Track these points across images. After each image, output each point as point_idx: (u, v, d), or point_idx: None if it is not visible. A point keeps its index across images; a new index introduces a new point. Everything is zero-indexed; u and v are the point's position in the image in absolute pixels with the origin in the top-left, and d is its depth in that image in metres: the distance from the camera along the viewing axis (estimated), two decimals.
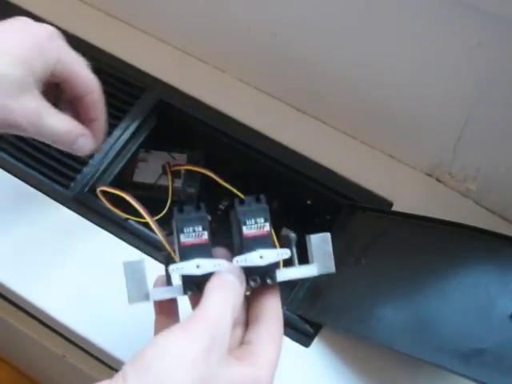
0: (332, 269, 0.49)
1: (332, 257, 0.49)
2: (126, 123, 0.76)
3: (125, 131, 0.75)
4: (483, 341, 0.54)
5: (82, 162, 0.73)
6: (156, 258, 0.67)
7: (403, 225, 0.67)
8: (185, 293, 0.47)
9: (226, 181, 0.71)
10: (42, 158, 0.74)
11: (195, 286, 0.46)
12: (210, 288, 0.45)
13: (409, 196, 0.73)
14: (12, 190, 0.72)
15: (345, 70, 0.72)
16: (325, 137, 0.77)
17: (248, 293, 0.50)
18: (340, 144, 0.76)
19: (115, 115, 0.76)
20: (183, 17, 0.80)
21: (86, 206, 0.70)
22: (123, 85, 0.79)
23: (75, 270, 0.66)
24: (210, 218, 0.49)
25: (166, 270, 0.48)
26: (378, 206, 0.71)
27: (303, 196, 0.78)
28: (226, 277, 0.46)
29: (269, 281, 0.47)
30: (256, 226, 0.47)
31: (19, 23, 0.57)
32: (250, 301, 0.49)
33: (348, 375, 0.62)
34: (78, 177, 0.72)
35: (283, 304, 0.67)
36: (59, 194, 0.71)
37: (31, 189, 0.72)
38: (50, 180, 0.72)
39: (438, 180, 0.75)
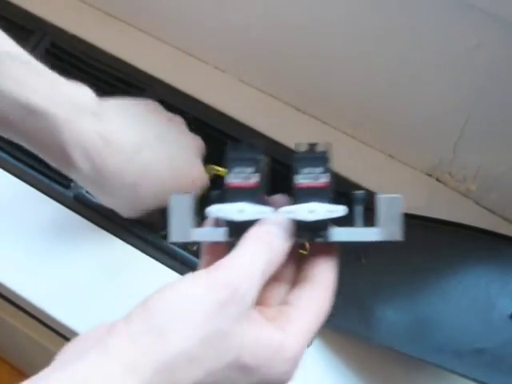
0: (398, 236, 0.43)
1: (400, 223, 0.43)
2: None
3: None
4: (483, 341, 0.54)
5: None
6: (157, 259, 0.67)
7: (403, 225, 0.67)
8: (227, 237, 0.42)
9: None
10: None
11: (239, 231, 0.41)
12: (246, 237, 0.40)
13: (409, 196, 0.72)
14: (12, 190, 0.72)
15: (345, 70, 0.71)
16: (325, 137, 0.77)
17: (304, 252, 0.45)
18: (340, 144, 0.76)
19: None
20: (183, 17, 0.80)
21: (86, 206, 0.70)
22: (123, 85, 0.79)
23: (75, 270, 0.66)
24: (266, 159, 0.43)
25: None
26: None
27: None
28: (268, 227, 0.40)
29: (319, 239, 0.41)
30: (312, 175, 0.41)
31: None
32: (304, 260, 0.44)
33: (348, 375, 0.62)
34: None
35: None
36: (59, 194, 0.71)
37: (31, 189, 0.72)
38: (50, 180, 0.72)
39: (437, 180, 0.74)
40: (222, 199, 0.42)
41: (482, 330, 0.55)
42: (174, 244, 0.44)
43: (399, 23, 0.63)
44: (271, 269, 0.40)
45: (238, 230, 0.42)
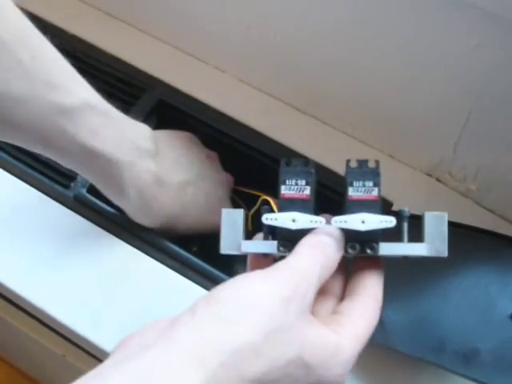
0: (444, 253, 0.44)
1: (446, 240, 0.44)
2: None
3: None
4: (483, 341, 0.54)
5: None
6: (157, 259, 0.67)
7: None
8: (278, 249, 0.43)
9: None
10: (42, 157, 0.74)
11: (290, 243, 0.43)
12: (301, 245, 0.42)
13: (409, 196, 0.73)
14: (12, 190, 0.72)
15: (345, 70, 0.71)
16: (325, 137, 0.77)
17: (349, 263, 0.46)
18: (340, 144, 0.76)
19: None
20: (183, 17, 0.80)
21: (86, 206, 0.70)
22: (123, 85, 0.79)
23: (75, 270, 0.66)
24: (315, 175, 0.45)
25: (263, 224, 0.44)
26: None
27: None
28: (321, 237, 0.42)
29: (369, 251, 0.43)
30: (364, 189, 0.44)
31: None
32: (351, 274, 0.46)
33: (348, 375, 0.62)
34: (78, 177, 0.72)
35: None
36: (59, 194, 0.71)
37: (31, 189, 0.72)
38: (50, 180, 0.72)
39: (438, 180, 0.74)
40: (274, 211, 0.44)
41: (482, 330, 0.55)
42: (226, 255, 0.45)
43: (399, 23, 0.63)
44: (326, 275, 0.42)
45: (289, 241, 0.43)
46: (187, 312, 0.38)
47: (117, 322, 0.64)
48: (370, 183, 0.44)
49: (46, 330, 0.71)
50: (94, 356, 0.69)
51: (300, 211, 0.43)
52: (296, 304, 0.38)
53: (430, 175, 0.75)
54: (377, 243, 0.44)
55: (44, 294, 0.65)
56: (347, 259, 0.46)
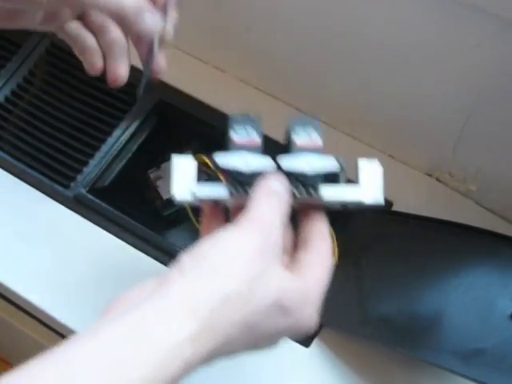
0: (380, 200, 0.47)
1: (381, 186, 0.48)
2: (126, 123, 0.76)
3: (125, 131, 0.75)
4: (483, 341, 0.54)
5: (82, 161, 0.73)
6: (157, 259, 0.67)
7: (403, 225, 0.67)
8: (231, 193, 0.45)
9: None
10: (42, 157, 0.74)
11: (241, 186, 0.45)
12: (258, 196, 0.44)
13: (409, 196, 0.73)
14: (12, 189, 0.72)
15: (345, 70, 0.71)
16: (325, 137, 0.77)
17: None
18: (340, 144, 0.76)
19: (115, 115, 0.76)
20: (183, 17, 0.80)
21: (86, 205, 0.70)
22: (123, 85, 0.79)
23: (75, 269, 0.66)
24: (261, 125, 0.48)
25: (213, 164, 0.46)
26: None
27: None
28: (273, 186, 0.45)
29: (312, 191, 0.46)
30: (308, 137, 0.47)
31: None
32: (299, 226, 0.49)
33: (348, 375, 0.62)
34: (78, 177, 0.72)
35: None
36: (59, 194, 0.71)
37: (31, 189, 0.72)
38: (50, 180, 0.72)
39: (438, 180, 0.74)
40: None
41: (482, 329, 0.55)
42: (180, 204, 0.46)
43: (399, 23, 0.63)
44: (285, 219, 0.44)
45: (241, 185, 0.45)
46: (174, 270, 0.40)
47: None
48: (315, 133, 0.47)
49: (46, 330, 0.71)
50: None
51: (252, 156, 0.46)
52: (270, 252, 0.42)
53: (429, 175, 0.75)
54: (320, 186, 0.47)
55: (44, 294, 0.65)
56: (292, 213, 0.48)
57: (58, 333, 0.69)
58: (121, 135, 0.75)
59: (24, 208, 0.70)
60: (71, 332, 0.64)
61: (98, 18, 0.51)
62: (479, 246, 0.61)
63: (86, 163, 0.73)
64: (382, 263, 0.65)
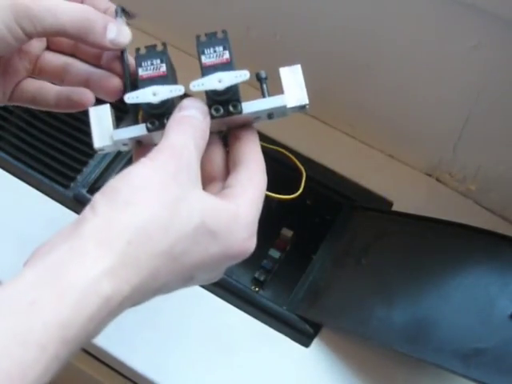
0: (304, 100, 0.46)
1: (304, 88, 0.46)
2: (126, 123, 0.76)
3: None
4: (483, 341, 0.54)
5: (82, 161, 0.73)
6: None
7: (403, 225, 0.67)
8: (148, 129, 0.45)
9: None
10: (42, 157, 0.74)
11: (157, 120, 0.45)
12: (169, 126, 0.43)
13: (409, 196, 0.73)
14: (12, 189, 0.72)
15: (345, 70, 0.71)
16: (325, 137, 0.77)
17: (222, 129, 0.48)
18: (340, 144, 0.76)
19: (115, 115, 0.76)
20: (183, 17, 0.80)
21: (85, 205, 0.70)
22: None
23: None
24: (169, 55, 0.48)
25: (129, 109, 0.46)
26: (378, 206, 0.71)
27: (303, 196, 0.78)
28: (184, 112, 0.44)
29: (232, 109, 0.45)
30: (215, 54, 0.46)
31: None
32: (230, 149, 0.47)
33: (348, 375, 0.62)
34: (78, 177, 0.72)
35: (283, 304, 0.67)
36: (59, 194, 0.71)
37: (31, 189, 0.72)
38: (50, 180, 0.72)
39: (438, 180, 0.74)
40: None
41: (482, 329, 0.55)
42: (101, 151, 0.46)
43: (399, 23, 0.63)
44: (201, 144, 0.43)
45: (156, 119, 0.45)
46: (87, 209, 0.39)
47: (117, 323, 0.64)
48: (220, 48, 0.46)
49: None
50: (94, 356, 0.69)
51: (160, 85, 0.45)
52: (184, 175, 0.40)
53: (429, 175, 0.75)
54: (238, 101, 0.46)
55: None
56: (223, 139, 0.48)
57: None
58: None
59: (24, 208, 0.70)
60: None
61: (53, 60, 0.50)
62: (479, 245, 0.61)
63: (85, 163, 0.73)
64: (382, 263, 0.65)
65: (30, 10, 0.44)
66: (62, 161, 0.74)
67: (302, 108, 0.46)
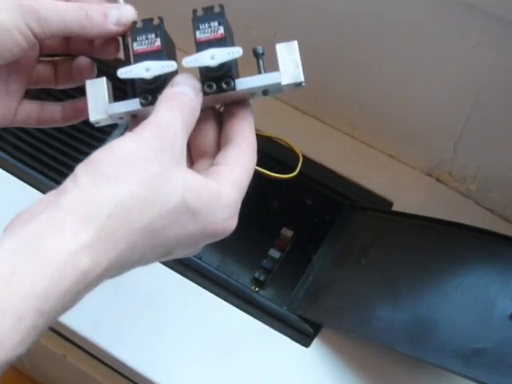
0: (299, 78, 0.45)
1: (299, 66, 0.46)
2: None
3: (124, 131, 0.75)
4: (483, 341, 0.54)
5: (82, 162, 0.73)
6: (161, 262, 0.67)
7: (403, 225, 0.67)
8: (141, 103, 0.45)
9: None
10: (41, 157, 0.74)
11: (150, 95, 0.45)
12: (159, 101, 0.43)
13: (409, 196, 0.73)
14: (12, 190, 0.72)
15: (345, 70, 0.71)
16: (325, 137, 0.77)
17: (219, 107, 0.47)
18: (340, 144, 0.76)
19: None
20: (182, 17, 0.80)
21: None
22: (121, 84, 0.79)
23: None
24: (164, 29, 0.47)
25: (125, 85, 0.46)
26: (378, 206, 0.71)
27: (303, 196, 0.78)
28: (175, 88, 0.43)
29: (225, 86, 0.44)
30: (210, 29, 0.46)
31: None
32: (222, 127, 0.46)
33: (348, 375, 0.62)
34: None
35: (283, 304, 0.67)
36: None
37: (31, 189, 0.72)
38: (50, 180, 0.72)
39: (437, 180, 0.74)
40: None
41: (482, 330, 0.55)
42: (97, 123, 0.47)
43: (399, 23, 0.63)
44: (189, 121, 0.43)
45: (149, 93, 0.45)
46: (70, 178, 0.39)
47: (116, 323, 0.64)
48: (215, 23, 0.46)
49: (46, 330, 0.71)
50: (94, 356, 0.69)
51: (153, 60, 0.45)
52: (168, 152, 0.40)
53: (430, 175, 0.75)
54: (232, 79, 0.45)
55: None
56: (218, 114, 0.47)
57: (59, 333, 0.69)
58: (120, 135, 0.75)
59: (24, 208, 0.70)
60: (71, 332, 0.64)
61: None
62: (479, 245, 0.61)
63: None
64: (382, 263, 0.65)
65: (37, 12, 0.44)
66: (62, 161, 0.74)
67: (297, 85, 0.45)
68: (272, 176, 0.52)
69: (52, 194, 0.39)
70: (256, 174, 0.76)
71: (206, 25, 0.46)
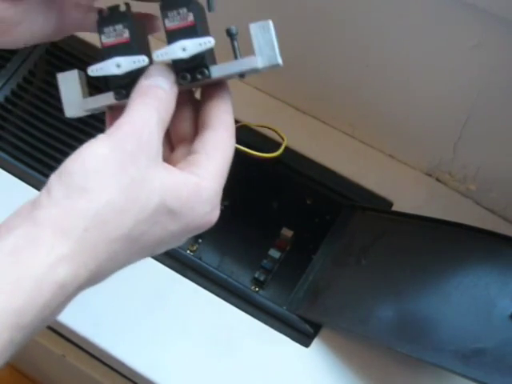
0: (276, 60, 0.43)
1: (275, 46, 0.43)
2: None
3: None
4: (483, 341, 0.54)
5: None
6: (155, 258, 0.67)
7: (403, 225, 0.67)
8: (115, 98, 0.43)
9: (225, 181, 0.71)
10: (42, 157, 0.74)
11: (124, 89, 0.43)
12: (132, 96, 0.41)
13: (409, 196, 0.73)
14: (12, 190, 0.72)
15: (345, 70, 0.71)
16: (325, 137, 0.77)
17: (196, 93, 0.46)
18: (340, 144, 0.76)
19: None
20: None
21: None
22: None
23: None
24: (137, 18, 0.45)
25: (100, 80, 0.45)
26: (378, 206, 0.71)
27: (303, 196, 0.78)
28: (149, 81, 0.42)
29: (199, 76, 0.43)
30: (179, 17, 0.43)
31: None
32: (200, 109, 0.45)
33: (348, 375, 0.62)
34: None
35: (283, 304, 0.67)
36: None
37: (31, 189, 0.72)
38: None
39: (438, 180, 0.74)
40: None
41: (481, 330, 0.55)
42: (72, 119, 0.45)
43: (399, 23, 0.63)
44: (165, 116, 0.41)
45: (123, 88, 0.43)
46: (43, 191, 0.38)
47: (116, 323, 0.64)
48: (184, 9, 0.43)
49: (45, 329, 0.71)
50: (94, 356, 0.69)
51: (124, 56, 0.43)
52: (143, 154, 0.38)
53: (430, 175, 0.75)
54: (206, 67, 0.43)
55: None
56: (194, 100, 0.46)
57: (59, 333, 0.69)
58: None
59: None
60: (71, 332, 0.64)
61: None
62: (479, 245, 0.61)
63: None
64: (382, 263, 0.65)
65: None
66: (62, 161, 0.73)
67: (274, 67, 0.44)
68: (254, 155, 0.51)
69: (27, 207, 0.38)
70: (256, 173, 0.76)
71: (175, 12, 0.43)
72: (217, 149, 0.42)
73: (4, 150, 0.74)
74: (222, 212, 0.84)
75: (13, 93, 0.79)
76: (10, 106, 0.78)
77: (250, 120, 0.76)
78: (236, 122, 0.72)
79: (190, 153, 0.42)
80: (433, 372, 0.61)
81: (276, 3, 0.70)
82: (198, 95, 0.46)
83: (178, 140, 0.44)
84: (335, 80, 0.73)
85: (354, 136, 0.77)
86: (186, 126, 0.44)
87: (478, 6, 0.55)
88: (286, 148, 0.75)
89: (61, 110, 0.79)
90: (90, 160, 0.38)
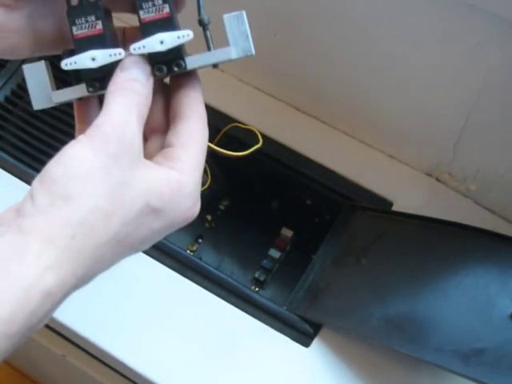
0: (250, 51, 0.43)
1: (249, 37, 0.44)
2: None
3: None
4: (483, 341, 0.54)
5: None
6: (154, 257, 0.67)
7: (403, 225, 0.67)
8: (88, 91, 0.42)
9: (225, 180, 0.71)
10: (42, 157, 0.74)
11: (98, 82, 0.42)
12: (110, 91, 0.40)
13: (409, 196, 0.73)
14: (12, 190, 0.72)
15: (345, 70, 0.71)
16: (325, 137, 0.77)
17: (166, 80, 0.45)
18: (340, 144, 0.76)
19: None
20: (182, 18, 0.80)
21: None
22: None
23: None
24: (106, 8, 0.43)
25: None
26: (378, 206, 0.71)
27: (303, 196, 0.78)
28: (125, 75, 0.41)
29: (176, 68, 0.42)
30: (154, 8, 0.42)
31: None
32: (171, 98, 0.44)
33: (348, 375, 0.62)
34: None
35: (283, 304, 0.67)
36: None
37: None
38: None
39: (438, 180, 0.74)
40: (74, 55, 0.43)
41: (482, 330, 0.55)
42: (40, 111, 0.45)
43: (399, 23, 0.63)
44: (143, 111, 0.41)
45: (97, 81, 0.43)
46: (27, 199, 0.37)
47: (117, 322, 0.64)
48: (160, 1, 0.43)
49: (46, 329, 0.71)
50: (94, 356, 0.69)
51: (98, 48, 0.42)
52: (126, 155, 0.38)
53: (430, 175, 0.75)
54: (182, 59, 0.43)
55: None
56: (165, 85, 0.45)
57: (59, 333, 0.69)
58: None
59: None
60: (71, 332, 0.64)
61: None
62: (479, 245, 0.61)
63: None
64: (382, 263, 0.65)
65: None
66: None
67: (248, 57, 0.44)
68: (224, 153, 0.51)
69: (10, 214, 0.37)
70: (256, 173, 0.76)
71: (150, 3, 0.42)
72: (192, 139, 0.42)
73: (4, 150, 0.74)
74: (222, 212, 0.84)
75: (13, 93, 0.79)
76: (10, 106, 0.78)
77: (250, 120, 0.76)
78: (230, 121, 0.71)
79: (165, 145, 0.42)
80: (433, 372, 0.61)
81: (276, 3, 0.70)
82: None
83: (150, 131, 0.44)
84: (335, 80, 0.73)
85: (354, 136, 0.77)
86: (158, 115, 0.44)
87: (477, 6, 0.55)
88: (286, 148, 0.75)
89: (61, 109, 0.80)
90: (73, 165, 0.37)
